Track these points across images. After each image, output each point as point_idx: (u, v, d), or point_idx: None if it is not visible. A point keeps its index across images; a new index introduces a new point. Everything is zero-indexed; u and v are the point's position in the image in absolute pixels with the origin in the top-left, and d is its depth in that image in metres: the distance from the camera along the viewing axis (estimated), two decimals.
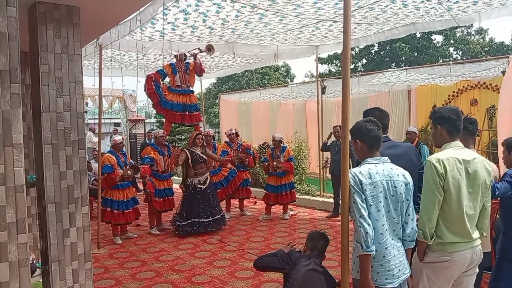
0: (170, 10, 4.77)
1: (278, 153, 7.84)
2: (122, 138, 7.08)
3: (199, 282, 4.82)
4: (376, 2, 5.22)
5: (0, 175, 2.60)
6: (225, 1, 4.78)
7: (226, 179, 7.88)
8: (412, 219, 2.56)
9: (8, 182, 2.64)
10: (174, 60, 7.40)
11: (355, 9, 5.46)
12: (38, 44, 3.24)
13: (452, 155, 2.64)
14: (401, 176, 2.53)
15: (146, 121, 16.61)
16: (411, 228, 2.55)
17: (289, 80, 36.82)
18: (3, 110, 2.62)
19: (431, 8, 5.68)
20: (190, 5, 4.85)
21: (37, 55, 3.25)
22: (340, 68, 28.48)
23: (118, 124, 18.53)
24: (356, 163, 2.67)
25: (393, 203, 2.46)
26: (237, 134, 8.53)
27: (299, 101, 14.84)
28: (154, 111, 8.37)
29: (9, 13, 2.61)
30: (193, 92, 7.66)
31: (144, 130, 15.47)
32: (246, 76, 34.17)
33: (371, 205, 2.40)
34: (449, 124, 2.73)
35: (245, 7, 5.04)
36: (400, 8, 5.64)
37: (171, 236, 6.99)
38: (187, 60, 7.40)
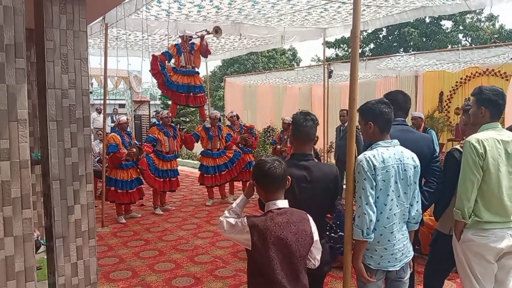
0: None
1: (286, 137, 7.80)
2: (127, 119, 7.08)
3: (202, 262, 4.87)
4: None
5: (5, 150, 2.60)
6: None
7: (231, 161, 7.89)
8: (417, 201, 2.55)
9: (12, 158, 2.64)
10: (180, 41, 7.36)
11: None
12: (44, 20, 3.21)
13: (491, 135, 2.64)
14: (411, 159, 2.49)
15: (151, 102, 16.59)
16: (416, 210, 2.54)
17: (295, 64, 36.60)
18: (8, 85, 2.60)
19: None
20: None
21: (42, 31, 3.22)
22: (347, 52, 28.27)
23: (123, 105, 18.51)
24: (364, 149, 2.61)
25: (403, 187, 2.43)
26: (237, 117, 8.54)
27: (305, 85, 14.75)
28: (159, 92, 8.34)
29: None
30: (198, 73, 7.65)
31: (149, 112, 15.47)
32: (252, 59, 33.98)
33: (381, 189, 2.36)
34: (495, 107, 2.72)
35: None
36: None
37: (175, 216, 7.04)
38: (192, 41, 7.37)
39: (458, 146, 2.96)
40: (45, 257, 3.67)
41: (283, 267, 2.05)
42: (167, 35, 7.14)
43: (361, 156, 2.40)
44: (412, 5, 6.41)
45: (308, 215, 2.21)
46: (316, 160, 2.64)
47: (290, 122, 7.85)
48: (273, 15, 6.57)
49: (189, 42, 7.35)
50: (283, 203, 2.15)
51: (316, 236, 2.17)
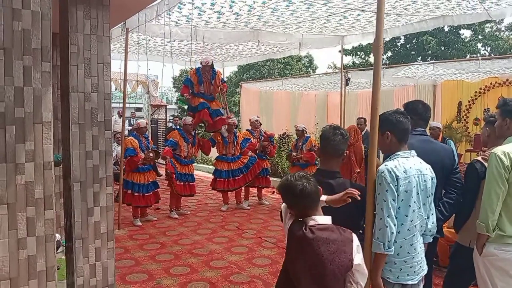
0: None
1: (301, 143, 7.79)
2: (146, 123, 7.20)
3: (217, 267, 4.87)
4: None
5: (29, 152, 2.65)
6: None
7: (246, 166, 7.89)
8: (433, 214, 2.51)
9: (37, 159, 2.69)
10: (199, 64, 7.58)
11: None
12: (68, 24, 3.28)
13: None
14: (428, 170, 2.47)
15: (168, 107, 16.72)
16: (432, 223, 2.50)
17: (311, 71, 36.53)
18: (34, 88, 2.66)
19: (462, 0, 5.52)
20: None
21: (67, 36, 3.29)
22: (364, 60, 28.15)
23: (139, 109, 18.68)
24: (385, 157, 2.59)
25: (422, 198, 2.40)
26: (260, 123, 8.56)
27: (321, 92, 14.72)
28: (175, 98, 8.54)
29: None
30: (215, 99, 7.82)
31: (166, 116, 15.59)
32: (267, 66, 34.01)
33: (402, 200, 2.33)
34: None
35: None
36: None
37: (190, 220, 7.07)
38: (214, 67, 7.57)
39: (479, 158, 2.93)
40: (63, 257, 3.73)
41: (313, 285, 1.95)
42: (190, 42, 7.24)
43: (382, 167, 2.35)
44: (432, 13, 6.38)
45: (353, 235, 2.06)
46: (342, 179, 2.49)
47: (303, 128, 7.87)
48: (291, 22, 6.59)
49: (211, 69, 7.54)
50: (323, 219, 2.03)
51: (358, 260, 2.01)
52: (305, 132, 7.92)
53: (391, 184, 2.28)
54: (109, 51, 3.49)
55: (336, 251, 1.96)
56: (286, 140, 11.25)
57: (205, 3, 5.21)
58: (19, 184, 2.64)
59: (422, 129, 3.04)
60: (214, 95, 7.82)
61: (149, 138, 7.38)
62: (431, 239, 2.57)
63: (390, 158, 2.46)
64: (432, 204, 2.51)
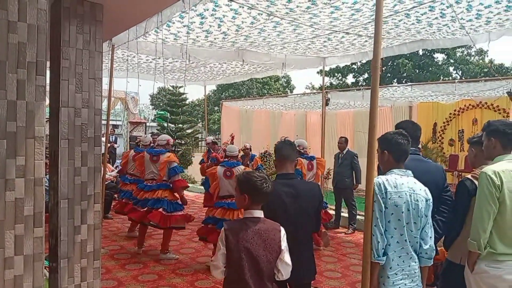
0: (187, 13, 4.79)
1: (248, 162, 7.93)
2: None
3: (203, 287, 4.78)
4: (390, 15, 5.27)
5: (20, 167, 2.58)
6: (243, 7, 4.80)
7: None
8: (431, 237, 2.56)
9: (27, 175, 2.62)
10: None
11: (369, 22, 5.50)
12: (61, 38, 3.23)
13: (507, 167, 2.69)
14: (423, 191, 2.54)
15: (147, 124, 16.56)
16: (429, 245, 2.54)
17: (288, 91, 37.06)
18: (27, 102, 2.61)
19: (443, 25, 5.73)
20: (208, 10, 4.86)
21: (59, 50, 3.24)
22: (341, 81, 28.77)
23: (116, 126, 18.43)
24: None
25: (413, 217, 2.46)
26: (214, 143, 8.71)
27: (300, 112, 14.90)
28: (152, 116, 8.32)
29: (39, 6, 2.62)
30: None
31: (145, 133, 15.43)
32: (246, 85, 34.35)
33: (392, 213, 2.42)
34: (504, 137, 2.78)
35: (262, 14, 5.07)
36: (413, 24, 5.69)
37: (171, 239, 6.92)
38: None
39: (469, 176, 3.00)
40: (46, 277, 3.59)
41: (250, 268, 2.29)
42: (174, 59, 7.15)
43: (375, 179, 2.48)
44: (413, 37, 6.58)
45: (281, 227, 2.42)
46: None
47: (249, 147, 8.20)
48: (277, 43, 6.68)
49: None
50: (258, 213, 2.42)
51: (283, 246, 2.37)
52: (250, 150, 8.26)
53: (378, 196, 2.43)
54: (101, 66, 3.45)
55: (267, 239, 2.35)
56: (268, 159, 11.29)
57: (194, 22, 5.24)
58: (8, 201, 2.56)
59: (414, 148, 3.11)
60: None
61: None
62: (430, 262, 2.60)
63: (385, 174, 2.54)
64: (429, 227, 2.55)
